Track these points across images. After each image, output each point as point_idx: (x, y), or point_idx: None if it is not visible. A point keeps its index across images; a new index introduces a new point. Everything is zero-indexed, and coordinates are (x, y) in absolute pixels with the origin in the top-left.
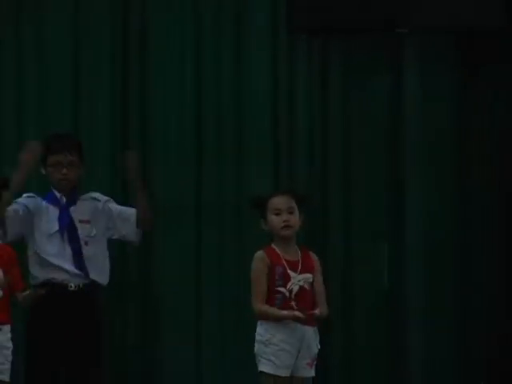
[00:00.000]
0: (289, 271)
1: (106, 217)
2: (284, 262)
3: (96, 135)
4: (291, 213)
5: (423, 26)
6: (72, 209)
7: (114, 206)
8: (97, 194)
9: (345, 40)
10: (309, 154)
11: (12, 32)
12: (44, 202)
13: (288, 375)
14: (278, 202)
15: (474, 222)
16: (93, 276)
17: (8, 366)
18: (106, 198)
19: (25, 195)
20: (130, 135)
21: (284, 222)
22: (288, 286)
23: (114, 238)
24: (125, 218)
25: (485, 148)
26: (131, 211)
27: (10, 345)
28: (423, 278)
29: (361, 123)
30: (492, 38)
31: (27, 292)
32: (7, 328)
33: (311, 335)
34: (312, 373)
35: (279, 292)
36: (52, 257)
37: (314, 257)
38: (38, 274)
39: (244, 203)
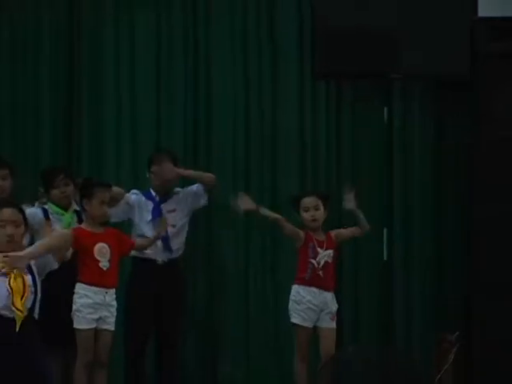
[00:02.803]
0: (317, 248)
1: (188, 200)
2: (314, 241)
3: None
4: (317, 209)
5: (408, 73)
6: (163, 204)
7: (187, 190)
8: (178, 189)
9: (353, 83)
10: (326, 166)
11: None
12: (144, 198)
13: (311, 326)
14: (307, 201)
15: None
16: (175, 253)
17: (113, 319)
18: (180, 189)
19: (132, 191)
20: (200, 151)
21: (311, 216)
22: (317, 259)
23: (197, 207)
24: (196, 191)
25: (455, 159)
26: (198, 184)
27: (115, 303)
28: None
29: (366, 145)
30: (459, 84)
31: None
32: (113, 291)
33: (330, 297)
34: (333, 325)
35: (311, 263)
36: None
37: (333, 236)
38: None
39: (281, 202)
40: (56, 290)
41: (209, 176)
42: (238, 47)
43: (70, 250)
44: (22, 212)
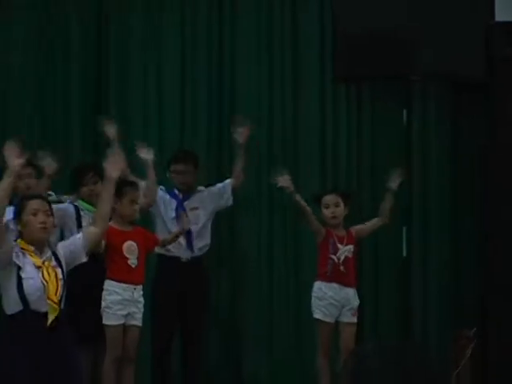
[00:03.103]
0: (338, 244)
1: (213, 200)
2: (335, 236)
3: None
4: (337, 206)
5: (426, 75)
6: (186, 202)
7: (212, 189)
8: (201, 188)
9: (373, 85)
10: (346, 166)
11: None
12: (168, 196)
13: (333, 321)
14: (328, 198)
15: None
16: (198, 251)
17: (140, 315)
18: (204, 188)
19: (159, 187)
20: (223, 149)
21: (331, 213)
22: (337, 254)
23: (223, 207)
24: (222, 191)
25: (471, 161)
26: (223, 184)
27: (142, 300)
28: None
29: (385, 145)
30: (475, 87)
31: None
32: (140, 287)
33: (352, 293)
34: (354, 320)
35: (331, 258)
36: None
37: (353, 232)
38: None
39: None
40: (85, 287)
41: (243, 175)
42: (262, 49)
43: (103, 243)
44: (50, 204)
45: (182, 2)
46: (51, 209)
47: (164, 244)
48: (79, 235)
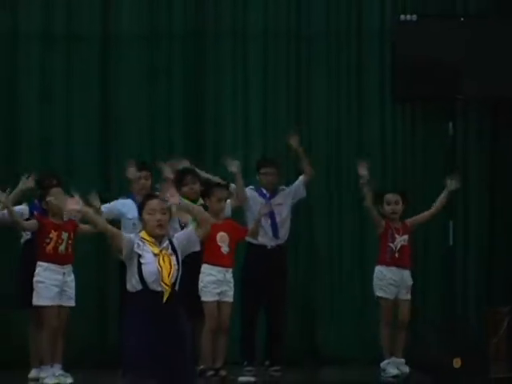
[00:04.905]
0: (395, 234)
1: (292, 195)
2: (393, 228)
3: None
4: (397, 204)
5: (470, 96)
6: (272, 199)
7: (291, 187)
8: (283, 187)
9: (424, 104)
10: (402, 171)
11: None
12: (257, 194)
13: (392, 298)
14: (389, 196)
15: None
16: (281, 239)
17: (231, 293)
18: (285, 187)
19: (249, 187)
20: None
21: (392, 210)
22: (395, 243)
23: (298, 199)
24: (298, 187)
25: (506, 167)
26: (297, 181)
27: (232, 280)
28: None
29: (435, 153)
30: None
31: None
32: (231, 270)
33: (407, 274)
34: (408, 296)
35: (390, 247)
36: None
37: (409, 223)
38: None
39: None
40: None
41: (311, 169)
42: (333, 74)
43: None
44: (166, 202)
45: (265, 44)
46: (168, 207)
47: (252, 234)
48: (191, 228)
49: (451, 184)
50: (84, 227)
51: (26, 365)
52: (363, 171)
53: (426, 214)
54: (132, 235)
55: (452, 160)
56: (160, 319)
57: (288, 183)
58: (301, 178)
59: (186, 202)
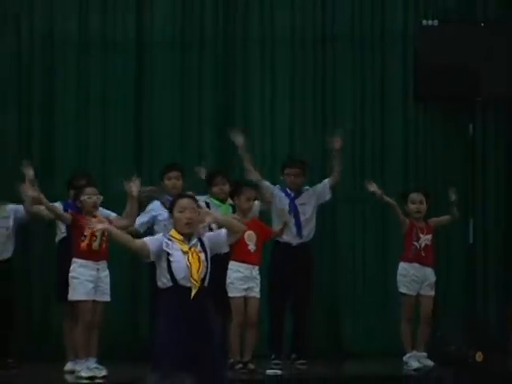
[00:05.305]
0: (419, 233)
1: (316, 196)
2: (417, 227)
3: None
4: (421, 203)
5: (488, 97)
6: (296, 199)
7: (315, 187)
8: (307, 187)
9: (446, 104)
10: (424, 170)
11: None
12: (283, 194)
13: (415, 294)
14: (414, 196)
15: None
16: (306, 238)
17: (258, 289)
18: (309, 187)
19: (276, 186)
20: (327, 155)
21: (416, 209)
22: (419, 242)
23: (323, 200)
24: (323, 189)
25: None
26: (323, 183)
27: (259, 277)
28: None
29: (456, 153)
30: None
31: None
32: (257, 267)
33: (430, 271)
34: (432, 292)
35: (414, 245)
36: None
37: (432, 223)
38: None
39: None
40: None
41: (340, 174)
42: (357, 77)
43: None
44: (196, 201)
45: (292, 49)
46: (198, 206)
47: (277, 235)
48: (224, 231)
49: (451, 196)
50: (118, 223)
51: (62, 357)
52: (372, 188)
53: (447, 218)
54: (158, 235)
55: (472, 159)
56: (189, 314)
57: (311, 184)
58: (326, 181)
59: (224, 217)
